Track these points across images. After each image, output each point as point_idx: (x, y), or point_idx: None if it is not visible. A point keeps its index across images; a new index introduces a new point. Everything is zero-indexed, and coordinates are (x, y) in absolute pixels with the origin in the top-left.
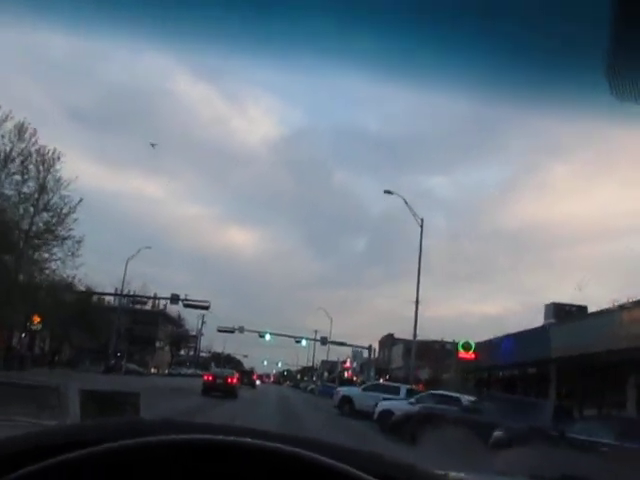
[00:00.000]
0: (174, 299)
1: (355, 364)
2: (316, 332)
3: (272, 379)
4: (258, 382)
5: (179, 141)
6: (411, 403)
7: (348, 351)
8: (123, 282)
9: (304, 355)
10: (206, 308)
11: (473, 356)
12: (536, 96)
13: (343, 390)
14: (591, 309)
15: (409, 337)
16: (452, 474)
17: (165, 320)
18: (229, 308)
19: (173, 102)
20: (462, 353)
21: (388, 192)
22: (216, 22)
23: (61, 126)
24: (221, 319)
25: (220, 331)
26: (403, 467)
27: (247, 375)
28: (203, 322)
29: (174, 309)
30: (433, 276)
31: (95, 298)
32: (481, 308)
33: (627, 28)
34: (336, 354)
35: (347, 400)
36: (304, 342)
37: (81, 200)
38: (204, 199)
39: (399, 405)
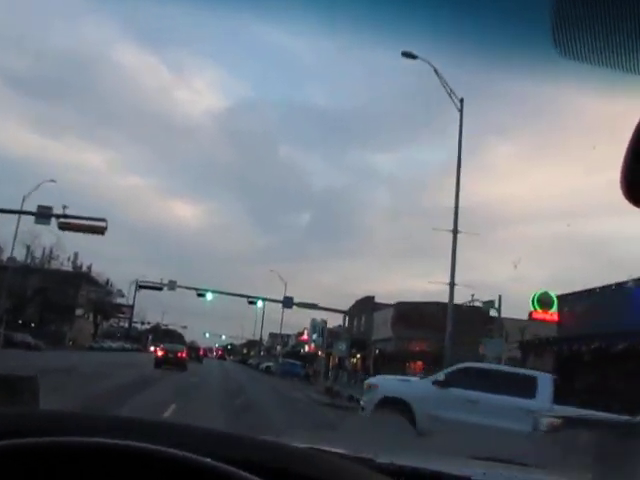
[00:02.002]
0: (43, 215)
1: (315, 336)
2: (264, 300)
3: (216, 353)
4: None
5: (120, 110)
6: None
7: (302, 323)
8: (18, 224)
9: (250, 327)
10: (99, 231)
11: (556, 317)
12: (482, 62)
13: (384, 384)
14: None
15: (393, 300)
16: (380, 459)
17: (88, 284)
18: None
19: (115, 70)
20: (538, 312)
21: (408, 55)
22: None
23: None
24: (160, 293)
25: (143, 287)
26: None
27: (194, 350)
28: (136, 288)
29: (100, 271)
30: (375, 251)
31: None
32: (424, 285)
33: None
34: (289, 327)
35: (399, 406)
36: (260, 303)
37: None
38: (146, 170)
39: None
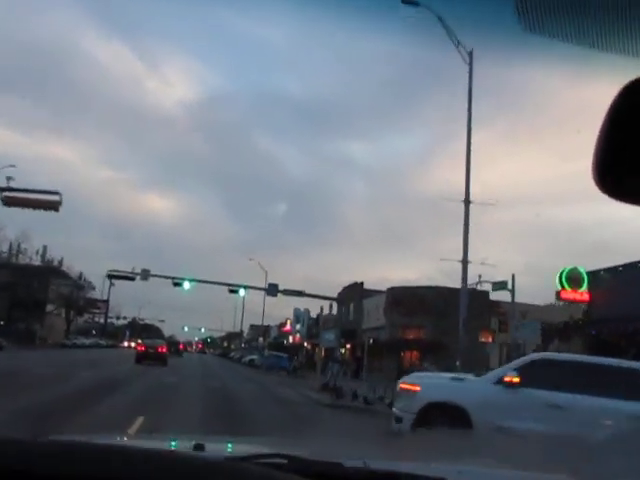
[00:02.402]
0: None
1: (299, 326)
2: (246, 288)
3: (196, 347)
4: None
5: (91, 102)
6: None
7: (283, 314)
8: None
9: (229, 319)
10: (53, 207)
11: (587, 296)
12: (452, 47)
13: (427, 385)
14: None
15: (382, 287)
16: (349, 463)
17: (60, 279)
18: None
19: (86, 61)
20: (566, 292)
21: (409, 2)
22: None
23: None
24: (134, 285)
25: (114, 277)
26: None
27: (174, 345)
28: (111, 283)
29: (71, 265)
30: (352, 240)
31: None
32: (401, 273)
33: None
34: (269, 319)
35: (451, 415)
36: (242, 292)
37: None
38: (118, 163)
39: None
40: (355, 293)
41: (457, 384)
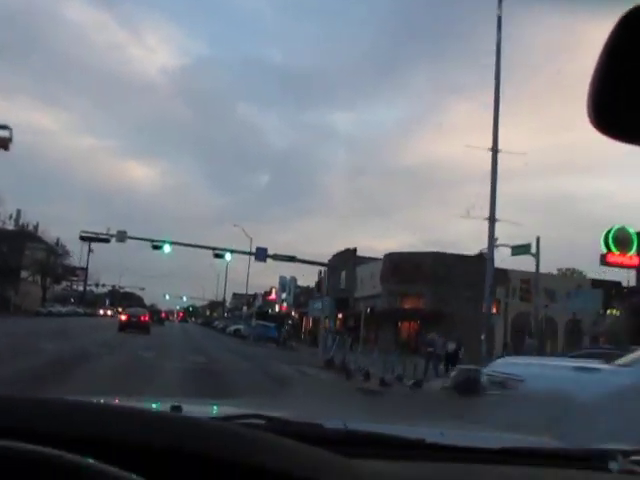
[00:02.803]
0: None
1: (285, 295)
2: (232, 252)
3: (178, 316)
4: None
5: (72, 69)
6: None
7: (266, 283)
8: None
9: (211, 288)
10: (2, 145)
11: (637, 261)
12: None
13: (536, 376)
14: None
15: (377, 254)
16: (330, 424)
17: (35, 243)
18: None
19: (66, 27)
20: (613, 255)
21: None
22: None
23: None
24: (113, 252)
25: (87, 239)
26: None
27: (156, 314)
28: (90, 249)
29: (49, 232)
30: (334, 211)
31: None
32: (382, 244)
33: None
34: (253, 287)
35: None
36: (228, 256)
37: None
38: (99, 130)
39: None
40: (347, 260)
41: (582, 377)
